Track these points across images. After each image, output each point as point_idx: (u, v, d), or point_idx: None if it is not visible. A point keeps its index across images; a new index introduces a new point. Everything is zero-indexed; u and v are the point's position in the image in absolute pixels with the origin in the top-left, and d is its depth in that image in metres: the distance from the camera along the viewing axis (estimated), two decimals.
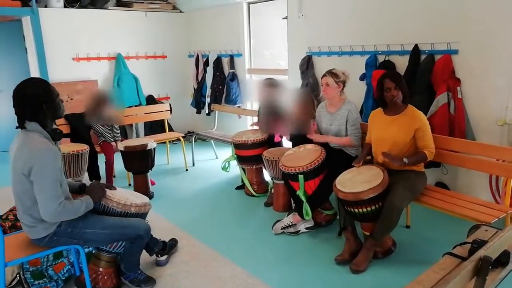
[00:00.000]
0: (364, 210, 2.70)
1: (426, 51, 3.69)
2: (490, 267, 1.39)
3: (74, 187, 2.53)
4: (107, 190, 2.54)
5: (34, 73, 5.66)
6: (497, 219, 2.55)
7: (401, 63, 3.88)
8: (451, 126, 3.46)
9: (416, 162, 2.88)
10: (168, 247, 2.99)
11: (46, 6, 5.68)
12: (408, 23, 3.84)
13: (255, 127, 4.49)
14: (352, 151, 3.38)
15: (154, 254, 2.90)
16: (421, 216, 3.50)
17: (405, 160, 2.80)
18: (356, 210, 2.73)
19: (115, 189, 2.68)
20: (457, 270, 1.38)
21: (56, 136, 2.30)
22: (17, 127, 2.22)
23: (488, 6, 3.28)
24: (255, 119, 4.98)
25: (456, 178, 3.70)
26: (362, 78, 4.22)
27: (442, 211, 2.81)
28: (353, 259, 2.81)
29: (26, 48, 5.84)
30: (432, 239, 3.18)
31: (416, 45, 3.75)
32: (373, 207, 2.69)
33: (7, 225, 2.85)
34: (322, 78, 3.40)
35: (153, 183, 4.67)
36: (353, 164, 3.02)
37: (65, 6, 5.80)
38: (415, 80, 3.67)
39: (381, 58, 4.10)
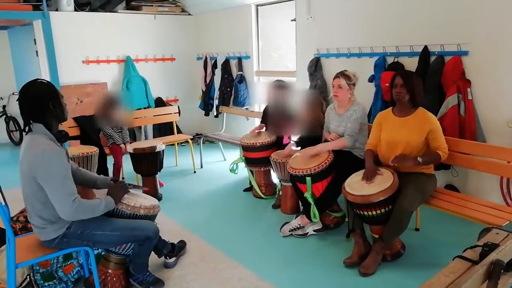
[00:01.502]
0: (374, 213, 2.68)
1: (436, 53, 3.67)
2: (502, 271, 1.37)
3: (106, 182, 2.62)
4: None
5: (45, 76, 5.73)
6: (508, 222, 2.52)
7: (411, 65, 3.86)
8: (461, 128, 3.43)
9: (430, 162, 2.85)
10: (177, 249, 3.00)
11: (57, 10, 5.76)
12: (418, 25, 3.81)
13: (261, 130, 4.47)
14: (361, 153, 3.35)
15: (163, 256, 2.91)
16: (431, 218, 3.46)
17: (419, 159, 2.76)
18: (365, 213, 2.72)
19: (140, 188, 2.93)
20: (468, 273, 1.36)
21: (62, 138, 2.30)
22: (23, 130, 2.25)
23: (498, 7, 3.24)
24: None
25: (466, 180, 3.66)
26: (370, 79, 4.20)
27: (452, 213, 2.78)
28: (361, 262, 2.79)
29: (37, 52, 5.91)
30: (442, 242, 3.14)
31: (425, 46, 3.72)
32: (382, 210, 2.67)
33: (18, 227, 2.88)
34: (334, 79, 3.38)
35: (161, 185, 4.69)
36: (362, 180, 2.83)
37: (75, 10, 5.88)
38: (425, 81, 3.64)
39: (390, 60, 4.08)
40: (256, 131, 4.45)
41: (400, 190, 2.69)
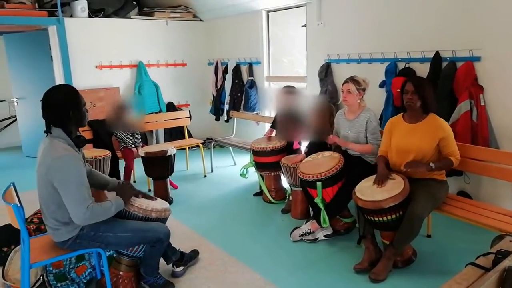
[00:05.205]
0: (385, 218, 2.67)
1: (448, 58, 3.65)
2: None
3: (114, 185, 2.63)
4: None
5: (59, 80, 5.82)
6: None
7: (422, 70, 3.84)
8: (473, 134, 3.40)
9: (443, 167, 2.83)
10: (186, 259, 2.95)
11: (71, 16, 5.86)
12: (429, 30, 3.80)
13: (272, 135, 4.49)
14: (371, 159, 3.35)
15: (171, 264, 2.88)
16: (443, 225, 3.43)
17: (431, 165, 2.74)
18: (376, 219, 2.70)
19: (150, 199, 2.72)
20: (481, 281, 1.36)
21: (80, 143, 2.35)
22: (44, 131, 2.30)
23: (511, 12, 3.22)
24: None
25: (479, 187, 3.62)
26: (381, 85, 4.19)
27: (464, 220, 2.76)
28: (372, 268, 2.78)
29: (51, 57, 6.02)
30: (454, 249, 3.11)
31: (437, 52, 3.70)
32: (393, 216, 2.66)
33: (32, 228, 2.93)
34: (343, 84, 3.40)
35: (176, 187, 4.74)
36: (374, 184, 2.82)
37: (89, 16, 5.98)
38: (437, 87, 3.62)
39: (401, 65, 4.07)
40: (267, 136, 4.48)
41: (412, 196, 2.68)
